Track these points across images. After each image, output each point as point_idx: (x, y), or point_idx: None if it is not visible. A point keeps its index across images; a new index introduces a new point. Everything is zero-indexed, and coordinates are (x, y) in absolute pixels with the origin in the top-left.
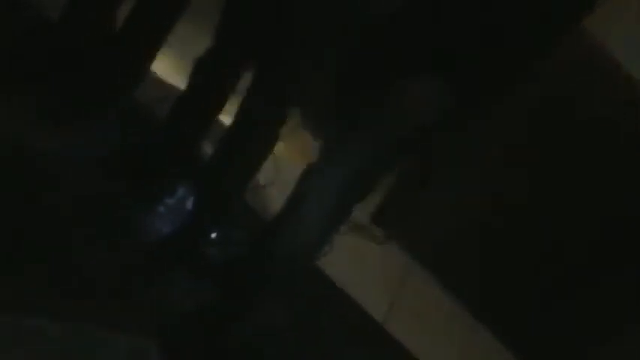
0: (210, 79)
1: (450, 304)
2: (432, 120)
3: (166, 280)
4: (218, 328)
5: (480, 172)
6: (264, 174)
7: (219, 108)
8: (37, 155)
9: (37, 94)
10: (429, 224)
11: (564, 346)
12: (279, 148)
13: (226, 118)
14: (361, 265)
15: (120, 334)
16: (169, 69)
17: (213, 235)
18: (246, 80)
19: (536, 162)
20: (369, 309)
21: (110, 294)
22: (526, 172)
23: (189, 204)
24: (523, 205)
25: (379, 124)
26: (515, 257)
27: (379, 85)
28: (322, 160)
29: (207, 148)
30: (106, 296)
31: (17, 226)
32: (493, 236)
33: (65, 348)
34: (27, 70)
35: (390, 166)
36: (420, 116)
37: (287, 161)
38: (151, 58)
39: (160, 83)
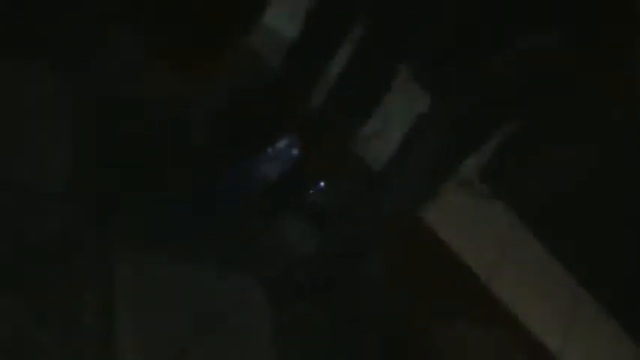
0: (321, 28)
1: (553, 266)
2: (547, 71)
3: (274, 226)
4: (323, 277)
5: (590, 135)
6: (373, 125)
7: (330, 58)
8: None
9: None
10: (535, 184)
11: None
12: (389, 99)
13: (336, 68)
14: (465, 221)
15: (227, 274)
16: (281, 19)
17: (321, 185)
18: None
19: None
20: (472, 266)
21: (220, 237)
22: None
23: (295, 152)
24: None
25: (493, 77)
26: (621, 224)
27: (495, 37)
28: (432, 112)
29: (318, 97)
30: (218, 239)
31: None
32: (599, 202)
33: (174, 285)
34: None
35: (502, 121)
36: (535, 67)
37: (396, 113)
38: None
39: (272, 33)
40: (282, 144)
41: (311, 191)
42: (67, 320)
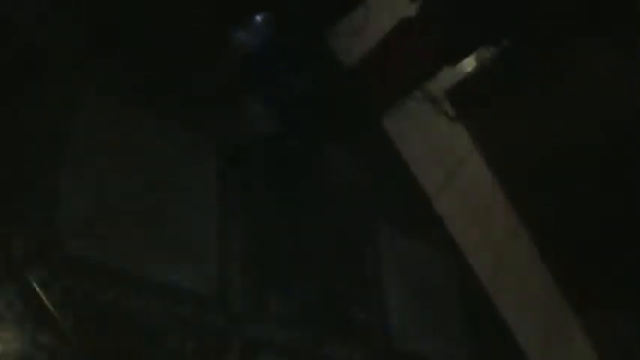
0: None
1: (500, 196)
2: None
3: (241, 99)
4: (281, 151)
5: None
6: (354, 20)
7: None
8: None
9: None
10: (500, 119)
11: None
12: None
13: None
14: (426, 135)
15: (184, 136)
16: None
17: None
18: None
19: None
20: (422, 180)
21: (192, 101)
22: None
23: (271, 32)
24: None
25: None
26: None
27: None
28: (416, 19)
29: None
30: (187, 102)
31: None
32: (554, 153)
33: (136, 138)
34: None
35: (484, 43)
36: None
37: (377, 12)
38: None
39: None
40: (261, 18)
41: (282, 73)
42: None
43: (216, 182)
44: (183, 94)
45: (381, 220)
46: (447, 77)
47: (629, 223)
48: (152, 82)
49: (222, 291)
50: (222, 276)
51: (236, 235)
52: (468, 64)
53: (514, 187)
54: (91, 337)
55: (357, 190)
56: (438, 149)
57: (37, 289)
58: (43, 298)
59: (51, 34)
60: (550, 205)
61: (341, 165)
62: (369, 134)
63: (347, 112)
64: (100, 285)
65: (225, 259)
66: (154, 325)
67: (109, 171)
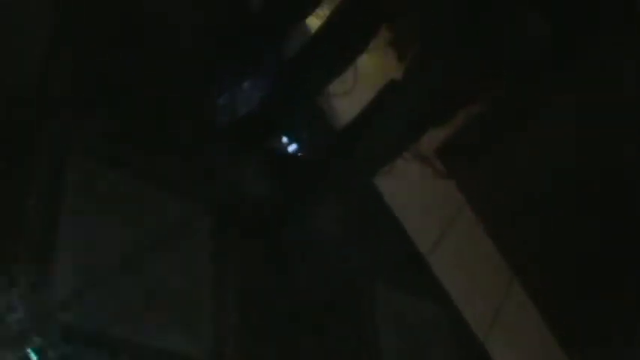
0: None
1: (492, 252)
2: (527, 55)
3: (233, 160)
4: (272, 217)
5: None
6: (342, 83)
7: (312, 9)
8: None
9: None
10: (492, 176)
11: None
12: (362, 60)
13: (314, 21)
14: (417, 194)
15: (176, 199)
16: None
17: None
18: None
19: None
20: (415, 236)
21: (180, 163)
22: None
23: (264, 93)
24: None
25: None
26: (573, 242)
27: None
28: (406, 78)
29: (292, 48)
30: (175, 160)
31: None
32: (550, 212)
33: (128, 201)
34: None
35: (473, 98)
36: (518, 50)
37: (367, 75)
38: None
39: None
40: (254, 83)
41: (274, 136)
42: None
43: (209, 245)
44: (171, 158)
45: (376, 278)
46: (436, 134)
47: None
48: (141, 145)
49: (218, 354)
50: (217, 339)
51: (229, 298)
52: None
53: (505, 239)
54: None
55: (351, 250)
56: (430, 205)
57: (35, 359)
58: None
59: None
60: (544, 255)
61: (333, 225)
62: (360, 194)
63: (338, 173)
64: (98, 353)
65: (219, 321)
66: None
67: (99, 236)
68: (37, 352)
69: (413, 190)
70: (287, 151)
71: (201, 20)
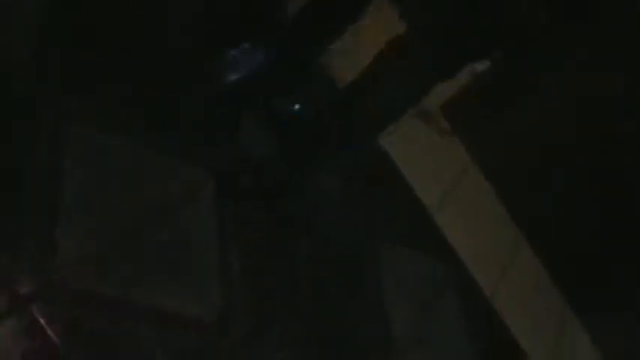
0: None
1: (499, 210)
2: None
3: (235, 124)
4: (275, 181)
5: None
6: (344, 42)
7: None
8: None
9: None
10: (497, 133)
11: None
12: (365, 19)
13: None
14: (423, 153)
15: (179, 165)
16: None
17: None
18: None
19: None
20: (422, 194)
21: (182, 128)
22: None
23: (264, 56)
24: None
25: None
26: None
27: None
28: (408, 37)
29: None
30: (178, 129)
31: None
32: (559, 170)
33: (131, 168)
34: None
35: (477, 56)
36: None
37: (368, 33)
38: None
39: None
40: (256, 45)
41: (275, 98)
42: None
43: (213, 210)
44: (174, 123)
45: (382, 236)
46: (441, 92)
47: (629, 222)
48: (142, 112)
49: (225, 316)
50: (224, 302)
51: (236, 261)
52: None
53: (512, 196)
54: None
55: (356, 209)
56: (435, 164)
57: (44, 324)
58: (50, 333)
59: (37, 74)
60: (550, 209)
61: (337, 186)
62: (365, 152)
63: (342, 133)
64: (106, 317)
65: (226, 284)
66: (164, 353)
67: (106, 205)
68: (45, 318)
69: (418, 148)
70: (289, 112)
71: None
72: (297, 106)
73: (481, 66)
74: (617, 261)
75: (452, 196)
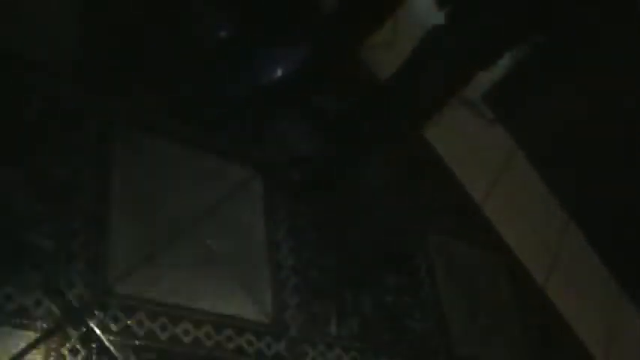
0: None
1: (546, 197)
2: None
3: (281, 121)
4: (324, 174)
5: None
6: (384, 34)
7: None
8: None
9: None
10: (541, 119)
11: None
12: (402, 10)
13: None
14: (466, 141)
15: (229, 164)
16: None
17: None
18: None
19: None
20: (468, 185)
21: (228, 126)
22: None
23: (304, 51)
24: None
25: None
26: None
27: None
28: (446, 26)
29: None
30: (224, 128)
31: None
32: (598, 146)
33: (178, 169)
34: None
35: (516, 42)
36: None
37: (406, 25)
38: None
39: None
40: (294, 43)
41: (318, 94)
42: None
43: (262, 207)
44: (220, 122)
45: (430, 228)
46: (482, 80)
47: None
48: (188, 112)
49: (280, 318)
50: (277, 301)
51: (287, 261)
52: (502, 64)
53: (560, 182)
54: None
55: (404, 202)
56: (480, 153)
57: (99, 332)
58: (105, 341)
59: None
60: (599, 196)
61: (385, 178)
62: (409, 145)
63: (385, 125)
64: (160, 323)
65: (278, 285)
66: (218, 357)
67: (155, 208)
68: (100, 327)
69: (462, 138)
70: (333, 107)
71: None
72: (336, 102)
73: (520, 52)
74: None
75: (498, 185)
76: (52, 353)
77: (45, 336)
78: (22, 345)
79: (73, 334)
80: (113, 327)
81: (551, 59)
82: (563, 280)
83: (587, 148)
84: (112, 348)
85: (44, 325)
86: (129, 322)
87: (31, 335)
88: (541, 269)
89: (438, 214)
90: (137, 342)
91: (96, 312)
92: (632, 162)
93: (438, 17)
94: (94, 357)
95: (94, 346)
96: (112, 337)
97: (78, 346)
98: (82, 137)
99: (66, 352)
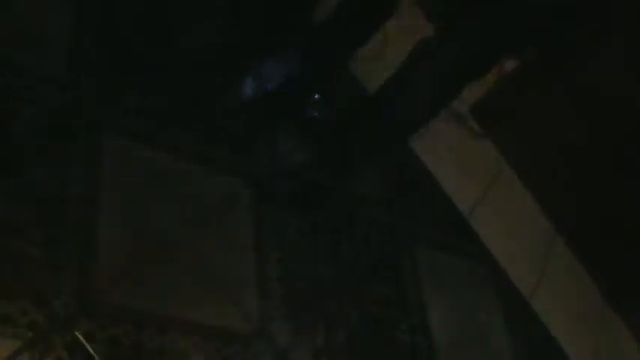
0: None
1: (534, 209)
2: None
3: (270, 132)
4: (313, 187)
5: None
6: (373, 45)
7: None
8: None
9: None
10: (526, 129)
11: None
12: (391, 23)
13: None
14: (454, 154)
15: (219, 175)
16: None
17: (317, 97)
18: None
19: None
20: (455, 197)
21: (218, 138)
22: None
23: (294, 64)
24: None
25: (500, 10)
26: (615, 197)
27: None
28: (436, 39)
29: (321, 13)
30: (214, 139)
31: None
32: (590, 167)
33: (167, 179)
34: None
35: (505, 55)
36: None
37: (395, 37)
38: None
39: None
40: (284, 54)
41: (308, 103)
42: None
43: (250, 218)
44: (210, 133)
45: (417, 240)
46: (470, 93)
47: None
48: (178, 123)
49: (266, 327)
50: (262, 312)
51: (274, 272)
52: (490, 77)
53: (546, 195)
54: None
55: (391, 213)
56: (468, 165)
57: (84, 342)
58: (91, 350)
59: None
60: (586, 209)
61: (372, 190)
62: (397, 156)
63: (374, 137)
64: (147, 332)
65: (266, 296)
66: None
67: (143, 217)
68: (85, 336)
69: (450, 150)
70: (321, 119)
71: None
72: (324, 112)
73: (510, 64)
74: None
75: (486, 198)
76: None
77: (30, 345)
78: (7, 354)
79: (58, 343)
80: (99, 336)
81: (537, 71)
82: (550, 293)
83: (574, 161)
84: (97, 357)
85: (29, 334)
86: (115, 331)
87: (16, 344)
88: (528, 282)
89: (426, 225)
90: (124, 351)
91: (82, 321)
92: (619, 173)
93: (428, 30)
94: None
95: (79, 355)
96: (98, 347)
97: (63, 356)
98: (70, 146)
99: None
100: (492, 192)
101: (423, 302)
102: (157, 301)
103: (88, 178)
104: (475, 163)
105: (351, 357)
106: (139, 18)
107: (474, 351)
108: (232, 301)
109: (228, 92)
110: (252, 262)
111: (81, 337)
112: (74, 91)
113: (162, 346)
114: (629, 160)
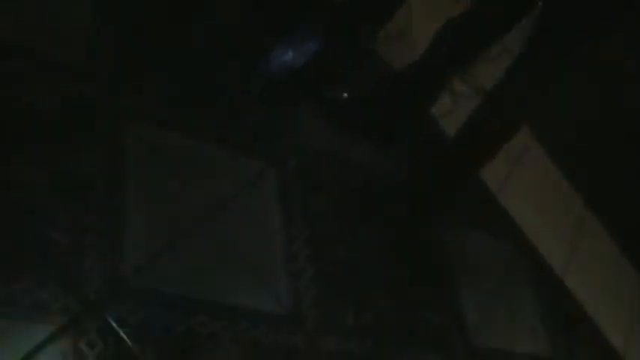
0: None
1: (564, 188)
2: None
3: (292, 115)
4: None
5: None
6: (397, 24)
7: None
8: None
9: None
10: (558, 107)
11: None
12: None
13: None
14: None
15: (243, 157)
16: None
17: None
18: None
19: None
20: (484, 174)
21: (240, 121)
22: None
23: (318, 43)
24: None
25: None
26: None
27: None
28: (462, 17)
29: None
30: (236, 122)
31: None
32: (620, 140)
33: (191, 164)
34: None
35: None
36: None
37: (420, 15)
38: None
39: None
40: (307, 34)
41: (330, 86)
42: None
43: (277, 200)
44: (232, 117)
45: (446, 218)
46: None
47: None
48: (199, 107)
49: (296, 309)
50: (293, 294)
51: (302, 252)
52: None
53: (575, 170)
54: None
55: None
56: None
57: (115, 326)
58: (122, 334)
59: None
60: (616, 183)
61: (396, 166)
62: (424, 133)
63: (399, 115)
64: (177, 315)
65: (294, 277)
66: (237, 348)
67: (169, 203)
68: (116, 320)
69: None
70: (346, 100)
71: None
72: (347, 94)
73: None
74: None
75: (515, 174)
76: (70, 347)
77: (62, 330)
78: (39, 339)
79: (91, 327)
80: (131, 320)
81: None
82: (582, 270)
83: (601, 134)
84: (129, 341)
85: (61, 320)
86: (145, 315)
87: (48, 329)
88: (559, 259)
89: (456, 205)
90: (155, 335)
91: (113, 305)
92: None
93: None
94: (111, 350)
95: (111, 339)
96: (128, 330)
97: (95, 340)
98: (95, 133)
99: (83, 346)
100: (521, 167)
101: (453, 281)
102: (185, 284)
103: (112, 163)
104: None
105: (380, 340)
106: (159, 2)
107: (505, 328)
108: (261, 283)
109: (251, 75)
110: (281, 243)
111: (112, 322)
112: (95, 80)
113: (191, 329)
114: None
